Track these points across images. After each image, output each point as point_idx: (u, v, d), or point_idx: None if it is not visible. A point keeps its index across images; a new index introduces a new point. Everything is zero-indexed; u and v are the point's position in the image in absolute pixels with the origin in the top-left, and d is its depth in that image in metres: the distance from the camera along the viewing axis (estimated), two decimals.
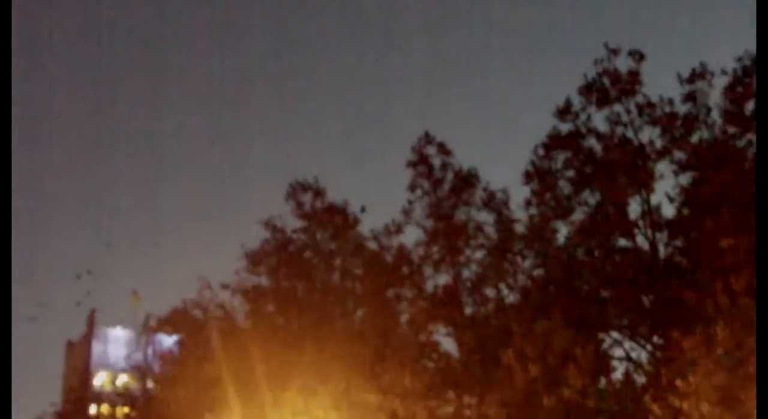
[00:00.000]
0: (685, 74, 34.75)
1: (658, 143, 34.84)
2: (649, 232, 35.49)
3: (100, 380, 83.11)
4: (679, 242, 34.96)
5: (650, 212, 35.39)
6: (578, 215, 36.16)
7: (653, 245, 35.37)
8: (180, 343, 46.08)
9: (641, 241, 35.58)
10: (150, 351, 56.27)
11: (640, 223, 35.52)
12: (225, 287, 42.14)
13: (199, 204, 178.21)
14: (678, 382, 28.88)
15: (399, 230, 39.41)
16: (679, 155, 34.43)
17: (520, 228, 37.72)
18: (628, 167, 34.91)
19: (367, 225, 40.59)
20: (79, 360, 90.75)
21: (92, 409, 69.36)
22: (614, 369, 36.30)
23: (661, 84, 36.00)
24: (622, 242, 35.93)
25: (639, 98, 35.41)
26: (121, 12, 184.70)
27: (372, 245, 39.99)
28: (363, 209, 41.13)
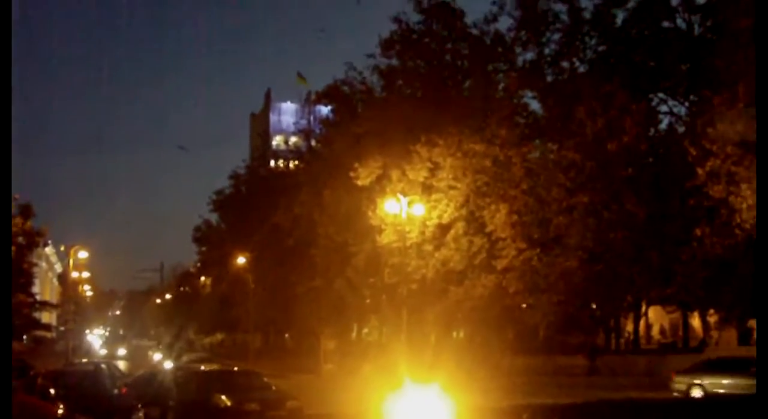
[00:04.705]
0: None
1: None
2: (686, 15, 42.55)
3: (275, 141, 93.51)
4: (709, 23, 41.51)
5: (687, 0, 42.08)
6: (632, 4, 43.10)
7: (690, 25, 42.56)
8: (334, 111, 54.72)
9: (680, 22, 42.93)
10: (312, 119, 63.64)
11: (680, 8, 42.58)
12: (366, 68, 48.60)
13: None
14: (709, 130, 33.98)
15: (495, 19, 45.65)
16: None
17: (587, 15, 44.30)
18: None
19: (470, 17, 46.93)
20: (260, 127, 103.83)
21: (272, 163, 77.12)
22: (660, 121, 44.38)
23: None
24: (666, 23, 43.10)
25: None
26: None
27: (474, 31, 46.53)
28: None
